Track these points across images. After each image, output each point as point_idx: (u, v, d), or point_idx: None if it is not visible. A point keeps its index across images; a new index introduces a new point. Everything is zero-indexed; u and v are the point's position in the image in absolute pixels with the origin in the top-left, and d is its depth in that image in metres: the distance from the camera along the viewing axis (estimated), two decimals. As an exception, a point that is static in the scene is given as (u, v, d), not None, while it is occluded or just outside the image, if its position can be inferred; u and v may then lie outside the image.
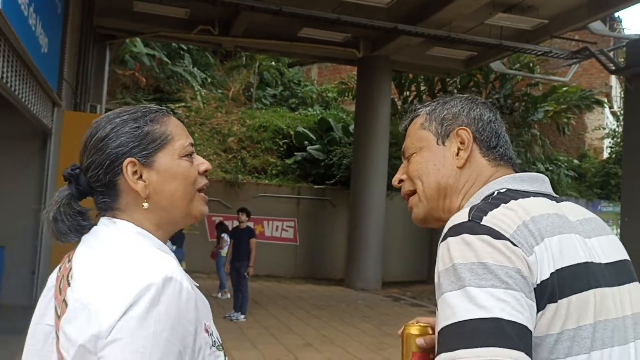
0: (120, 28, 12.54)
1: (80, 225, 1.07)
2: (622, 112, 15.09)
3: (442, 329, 0.89)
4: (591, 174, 16.08)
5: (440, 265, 0.93)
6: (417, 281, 14.55)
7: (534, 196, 1.03)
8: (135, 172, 1.05)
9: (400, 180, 1.22)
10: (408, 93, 16.70)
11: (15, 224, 8.59)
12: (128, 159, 1.05)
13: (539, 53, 12.38)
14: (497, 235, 0.91)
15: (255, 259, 9.23)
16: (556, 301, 0.90)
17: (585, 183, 15.73)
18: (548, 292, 0.90)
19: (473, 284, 0.87)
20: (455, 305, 0.87)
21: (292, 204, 14.58)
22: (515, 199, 0.99)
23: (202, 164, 1.12)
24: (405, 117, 1.25)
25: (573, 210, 1.06)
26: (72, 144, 6.86)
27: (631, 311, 0.99)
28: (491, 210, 0.95)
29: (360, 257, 13.03)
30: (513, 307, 0.86)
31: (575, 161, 16.86)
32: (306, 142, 16.00)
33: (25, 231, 8.65)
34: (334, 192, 14.75)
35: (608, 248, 1.03)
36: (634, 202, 10.38)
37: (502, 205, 0.97)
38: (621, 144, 13.49)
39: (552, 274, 0.91)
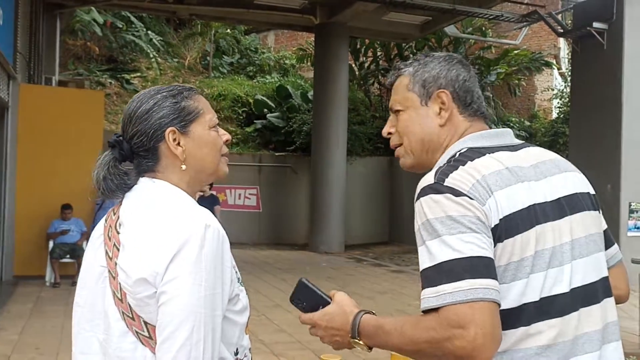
0: (71, -3, 12.20)
1: (125, 184, 1.28)
2: (569, 73, 15.66)
3: (424, 270, 1.12)
4: (541, 134, 16.71)
5: (418, 220, 1.16)
6: (379, 243, 15.01)
7: (492, 152, 1.22)
8: (174, 139, 1.28)
9: (390, 132, 1.40)
10: (364, 59, 16.85)
11: (-25, 199, 8.49)
12: (169, 128, 1.28)
13: (491, 17, 12.70)
14: (457, 193, 1.13)
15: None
16: (502, 241, 1.13)
17: (536, 142, 16.34)
18: (497, 235, 1.12)
19: (446, 233, 1.10)
20: (434, 250, 1.10)
21: (254, 171, 14.70)
22: (472, 160, 1.19)
23: (224, 134, 1.37)
24: (391, 73, 1.41)
25: (531, 155, 1.27)
26: (29, 117, 6.93)
27: (570, 238, 1.19)
28: (451, 172, 1.17)
29: (322, 221, 13.34)
30: (478, 245, 1.09)
31: (526, 122, 17.47)
32: (265, 110, 16.03)
33: (-14, 207, 8.55)
34: (295, 158, 14.93)
35: (558, 186, 1.23)
36: (581, 160, 10.93)
37: (460, 167, 1.18)
38: (569, 104, 14.07)
39: (500, 220, 1.13)
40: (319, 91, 13.55)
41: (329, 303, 1.28)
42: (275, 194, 14.69)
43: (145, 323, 1.18)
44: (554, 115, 18.07)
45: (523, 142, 1.32)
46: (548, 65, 16.79)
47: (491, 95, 16.60)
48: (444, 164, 1.22)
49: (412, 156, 1.36)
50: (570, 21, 12.85)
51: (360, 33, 14.62)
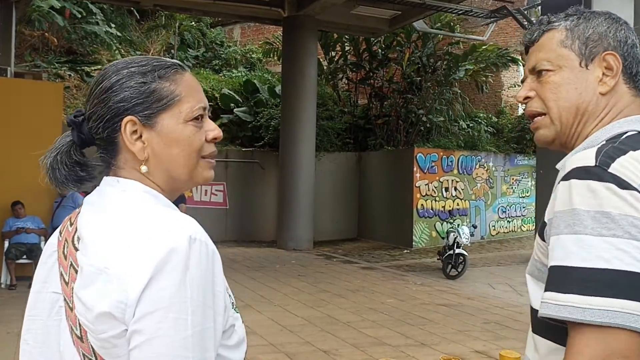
0: (27, -15, 11.66)
1: (77, 176, 1.01)
2: (535, 69, 15.75)
3: (553, 267, 0.91)
4: (508, 130, 16.85)
5: (558, 205, 0.93)
6: (348, 239, 14.89)
7: None
8: (134, 132, 0.99)
9: (527, 97, 1.14)
10: (334, 53, 16.67)
11: None
12: (128, 117, 0.98)
13: (460, 12, 12.67)
14: (624, 184, 0.89)
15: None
16: None
17: (502, 138, 16.48)
18: None
19: (594, 233, 0.87)
20: (572, 250, 0.88)
21: (221, 167, 14.35)
22: None
23: (211, 130, 1.04)
24: (533, 27, 1.17)
25: None
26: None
27: None
28: (619, 157, 0.93)
29: (291, 217, 13.12)
30: (633, 257, 0.86)
31: (494, 118, 17.59)
32: (232, 105, 15.71)
33: None
34: (263, 154, 14.67)
35: None
36: (548, 155, 10.97)
37: (631, 152, 0.94)
38: (535, 100, 14.17)
39: None
40: (287, 85, 13.30)
41: None
42: (242, 190, 14.41)
43: None
44: (520, 111, 18.26)
45: None
46: (514, 61, 16.91)
47: (459, 91, 16.64)
48: (607, 145, 0.98)
49: (558, 127, 1.11)
50: (537, 17, 12.92)
51: (329, 27, 14.43)
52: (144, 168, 0.99)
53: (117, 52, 16.20)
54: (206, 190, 14.19)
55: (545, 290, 0.92)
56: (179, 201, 9.02)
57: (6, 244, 8.17)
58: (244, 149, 14.84)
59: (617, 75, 1.08)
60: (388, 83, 16.25)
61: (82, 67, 15.98)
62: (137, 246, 0.89)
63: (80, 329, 0.91)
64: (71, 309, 0.93)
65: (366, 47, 16.19)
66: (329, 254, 12.50)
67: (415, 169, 13.42)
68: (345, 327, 6.27)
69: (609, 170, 0.91)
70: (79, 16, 15.62)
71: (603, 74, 1.08)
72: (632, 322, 0.84)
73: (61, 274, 0.97)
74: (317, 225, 13.69)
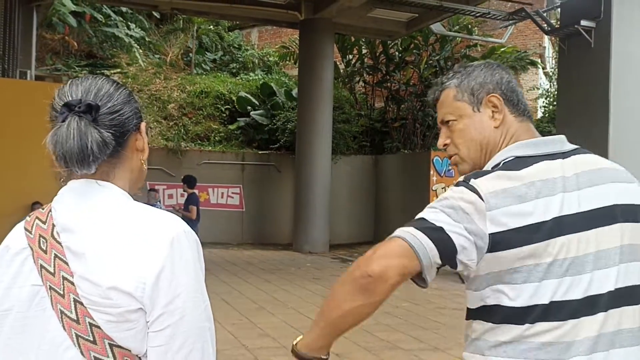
0: (48, -11, 11.83)
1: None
2: (554, 72, 15.61)
3: None
4: (526, 133, 16.68)
5: None
6: (364, 242, 14.82)
7: (538, 161, 1.29)
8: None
9: (445, 144, 1.48)
10: (351, 56, 16.66)
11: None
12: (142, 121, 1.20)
13: (478, 14, 12.56)
14: (471, 189, 1.25)
15: (201, 226, 9.46)
16: (505, 249, 1.22)
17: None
18: (504, 242, 1.21)
19: (433, 204, 1.27)
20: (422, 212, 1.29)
21: (237, 170, 14.44)
22: (518, 169, 1.27)
23: None
24: (432, 89, 1.51)
25: (579, 163, 1.32)
26: (1, 111, 6.47)
27: (595, 249, 1.23)
28: (482, 176, 1.27)
29: (307, 220, 13.12)
30: (437, 217, 1.23)
31: (512, 121, 17.41)
32: (249, 108, 15.78)
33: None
34: (279, 157, 14.69)
35: (594, 198, 1.27)
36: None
37: (496, 173, 1.27)
38: (554, 103, 14.00)
39: (507, 230, 1.21)
40: (304, 88, 13.32)
41: None
42: (259, 193, 14.44)
43: (111, 346, 0.99)
44: (539, 114, 18.07)
45: (577, 147, 1.38)
46: (533, 64, 16.75)
47: (477, 94, 16.49)
48: (482, 171, 1.32)
49: (470, 162, 1.43)
50: (557, 19, 12.78)
51: (346, 30, 14.42)
52: (145, 167, 1.21)
53: (136, 52, 16.36)
54: (222, 193, 14.25)
55: None
56: (192, 202, 9.27)
57: (25, 244, 8.29)
58: (260, 152, 14.88)
59: (503, 109, 1.40)
60: (405, 86, 16.18)
61: (102, 71, 16.15)
62: (141, 236, 1.03)
63: (77, 312, 0.99)
64: (62, 296, 1.01)
65: (383, 50, 16.14)
66: (345, 257, 12.47)
67: (432, 172, 13.33)
68: (358, 330, 6.22)
69: (470, 182, 1.27)
70: (99, 20, 15.80)
71: (492, 112, 1.40)
72: (406, 237, 1.22)
73: (41, 267, 1.04)
74: (333, 229, 13.67)
